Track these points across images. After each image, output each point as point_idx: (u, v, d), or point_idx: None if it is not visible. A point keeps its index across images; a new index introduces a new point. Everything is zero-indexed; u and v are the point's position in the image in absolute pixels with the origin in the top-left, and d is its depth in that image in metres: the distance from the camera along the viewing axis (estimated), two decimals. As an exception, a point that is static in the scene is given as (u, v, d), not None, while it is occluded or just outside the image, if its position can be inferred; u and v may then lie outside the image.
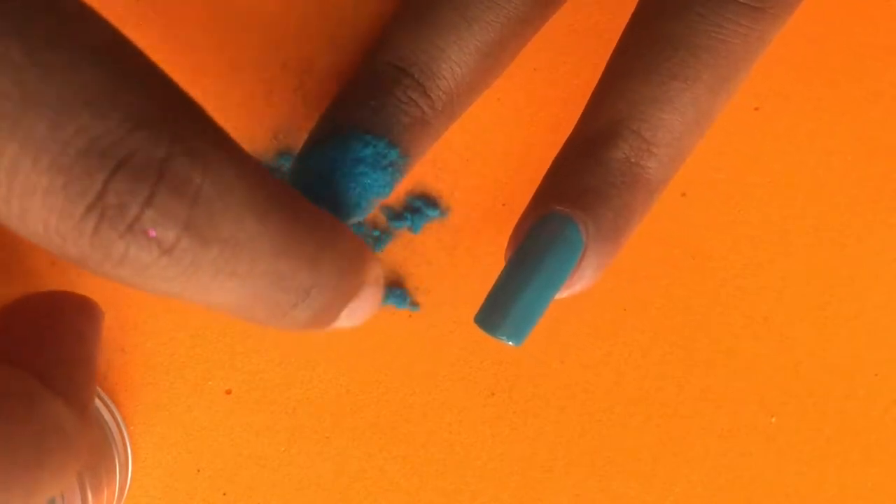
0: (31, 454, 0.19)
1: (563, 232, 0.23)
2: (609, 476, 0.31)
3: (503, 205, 0.29)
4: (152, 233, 0.16)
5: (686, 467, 0.31)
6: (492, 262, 0.30)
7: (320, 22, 0.28)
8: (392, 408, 0.30)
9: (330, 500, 0.30)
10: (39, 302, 0.24)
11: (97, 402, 0.29)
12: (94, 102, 0.15)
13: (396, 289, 0.30)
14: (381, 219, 0.29)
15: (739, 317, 0.30)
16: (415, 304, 0.30)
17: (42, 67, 0.15)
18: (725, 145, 0.28)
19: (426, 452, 0.30)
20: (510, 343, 0.23)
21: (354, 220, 0.25)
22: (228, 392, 0.30)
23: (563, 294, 0.24)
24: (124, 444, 0.30)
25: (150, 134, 0.16)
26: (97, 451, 0.29)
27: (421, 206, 0.29)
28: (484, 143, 0.29)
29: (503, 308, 0.23)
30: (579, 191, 0.23)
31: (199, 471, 0.30)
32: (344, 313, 0.21)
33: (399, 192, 0.29)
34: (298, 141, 0.29)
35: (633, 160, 0.23)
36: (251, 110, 0.29)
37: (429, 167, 0.29)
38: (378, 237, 0.29)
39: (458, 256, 0.30)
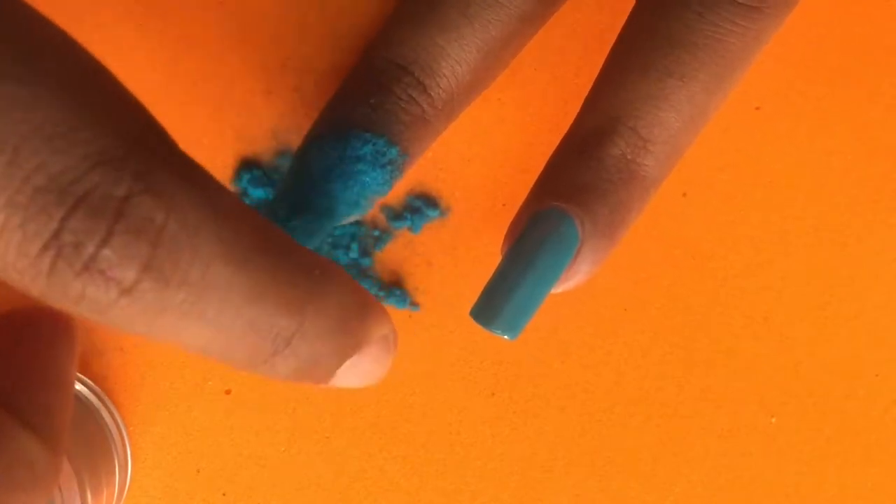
0: None
1: (559, 227, 0.23)
2: (609, 476, 0.31)
3: (503, 205, 0.29)
4: (111, 273, 0.16)
5: (686, 467, 0.31)
6: (492, 262, 0.30)
7: (320, 22, 0.28)
8: (392, 408, 0.30)
9: (330, 500, 0.30)
10: (3, 320, 0.22)
11: (97, 402, 0.29)
12: (55, 138, 0.15)
13: (396, 289, 0.30)
14: (381, 219, 0.29)
15: (739, 317, 0.30)
16: (415, 304, 0.30)
17: (2, 101, 0.15)
18: (726, 145, 0.28)
19: (426, 452, 0.30)
20: (505, 337, 0.24)
21: (353, 217, 0.25)
22: (228, 392, 0.30)
23: (558, 289, 0.24)
24: (124, 445, 0.30)
25: (111, 171, 0.15)
26: (97, 452, 0.29)
27: (421, 206, 0.29)
28: (484, 143, 0.29)
29: (498, 302, 0.24)
30: (576, 187, 0.23)
31: (198, 471, 0.30)
32: (343, 371, 0.20)
33: (399, 192, 0.29)
34: (298, 141, 0.29)
35: (629, 157, 0.23)
36: (251, 110, 0.29)
37: (429, 167, 0.29)
38: (378, 237, 0.29)
39: (458, 256, 0.30)
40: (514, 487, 0.30)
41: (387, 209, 0.29)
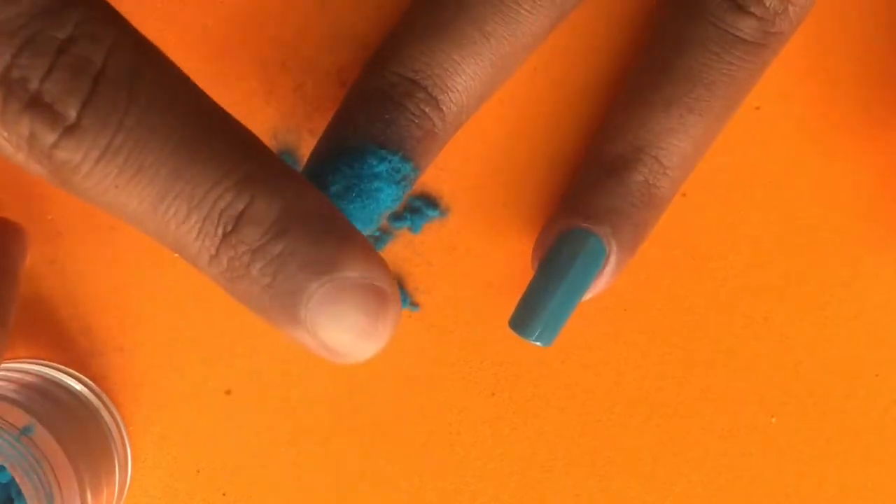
0: None
1: (589, 245, 0.26)
2: (609, 476, 0.31)
3: (503, 205, 0.29)
4: (56, 107, 0.17)
5: (686, 467, 0.31)
6: (492, 262, 0.30)
7: (320, 22, 0.28)
8: (392, 408, 0.30)
9: (330, 500, 0.30)
10: None
11: (97, 402, 0.29)
12: None
13: (396, 289, 0.30)
14: (381, 219, 0.29)
15: (739, 317, 0.30)
16: (415, 305, 0.30)
17: None
18: (726, 145, 0.28)
19: (426, 452, 0.30)
20: (539, 344, 0.26)
21: (366, 234, 0.25)
22: (228, 392, 0.30)
23: (585, 298, 0.27)
24: (124, 444, 0.30)
25: (55, 17, 0.17)
26: (97, 452, 0.29)
27: (421, 206, 0.29)
28: (484, 143, 0.29)
29: (535, 313, 0.26)
30: (604, 209, 0.26)
31: (198, 471, 0.30)
32: (326, 315, 0.18)
33: (399, 192, 0.29)
34: (298, 141, 0.29)
35: (650, 182, 0.26)
36: (251, 110, 0.29)
37: (429, 167, 0.29)
38: (378, 237, 0.29)
39: (458, 256, 0.30)
40: (514, 487, 0.30)
41: (387, 209, 0.29)
